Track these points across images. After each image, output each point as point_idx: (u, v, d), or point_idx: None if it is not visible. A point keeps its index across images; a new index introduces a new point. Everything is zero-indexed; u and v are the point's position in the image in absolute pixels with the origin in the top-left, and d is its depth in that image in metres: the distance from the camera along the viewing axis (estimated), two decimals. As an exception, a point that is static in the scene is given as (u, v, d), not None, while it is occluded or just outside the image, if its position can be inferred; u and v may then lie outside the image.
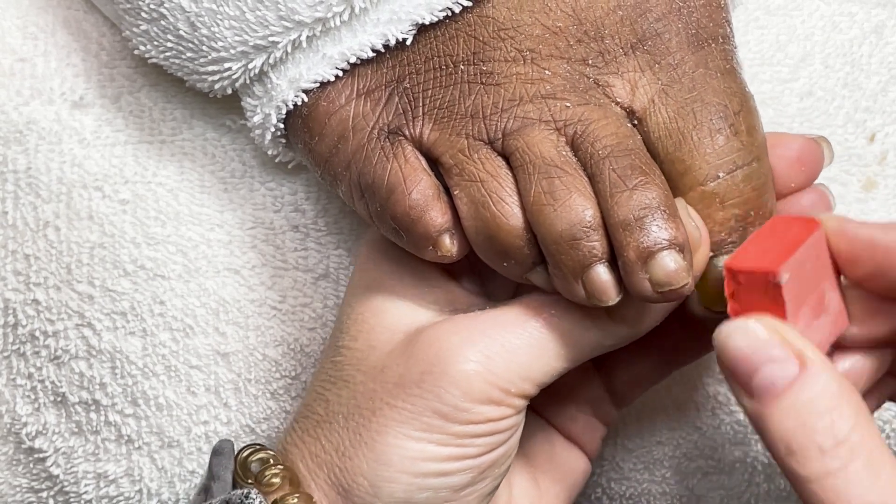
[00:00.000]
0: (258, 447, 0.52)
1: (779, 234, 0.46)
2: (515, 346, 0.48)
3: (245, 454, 0.52)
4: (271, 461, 0.51)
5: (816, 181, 0.51)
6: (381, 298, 0.51)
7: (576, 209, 0.46)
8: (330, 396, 0.51)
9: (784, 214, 0.49)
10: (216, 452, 0.53)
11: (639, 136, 0.48)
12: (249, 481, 0.51)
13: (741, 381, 0.43)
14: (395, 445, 0.48)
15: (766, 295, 0.44)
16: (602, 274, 0.46)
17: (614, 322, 0.49)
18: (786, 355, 0.42)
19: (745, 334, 0.43)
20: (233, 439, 0.55)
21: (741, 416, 0.59)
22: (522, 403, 0.49)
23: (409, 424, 0.48)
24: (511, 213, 0.47)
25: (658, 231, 0.46)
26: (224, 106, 0.59)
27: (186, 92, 0.59)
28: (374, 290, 0.51)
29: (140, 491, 0.58)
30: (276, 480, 0.50)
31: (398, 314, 0.50)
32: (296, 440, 0.51)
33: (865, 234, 0.45)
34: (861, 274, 0.46)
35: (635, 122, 0.48)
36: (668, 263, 0.45)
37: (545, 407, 0.55)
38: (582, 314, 0.48)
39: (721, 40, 0.49)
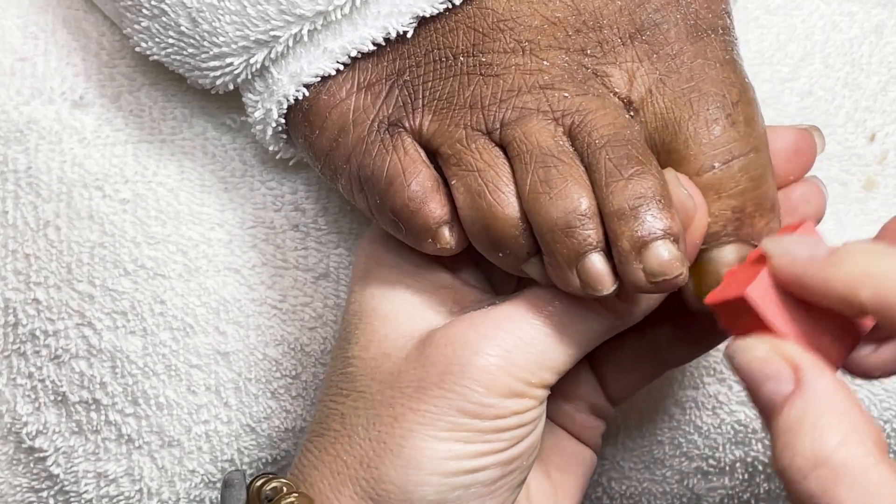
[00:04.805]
0: (270, 476, 0.51)
1: (749, 263, 0.46)
2: (531, 337, 0.48)
3: (258, 484, 0.51)
4: (285, 489, 0.50)
5: (809, 174, 0.51)
6: (388, 306, 0.51)
7: (571, 197, 0.46)
8: (345, 410, 0.50)
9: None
10: (227, 484, 0.52)
11: (637, 127, 0.48)
12: None
13: (753, 399, 0.42)
14: (423, 448, 0.48)
15: (752, 318, 0.43)
16: (597, 263, 0.46)
17: (623, 301, 0.48)
18: (781, 372, 0.41)
19: (744, 352, 0.42)
20: (236, 448, 0.54)
21: (741, 416, 0.59)
22: (543, 394, 0.49)
23: (434, 426, 0.48)
24: (507, 202, 0.47)
25: (653, 221, 0.45)
26: (224, 105, 0.59)
27: (186, 91, 0.59)
28: (379, 298, 0.51)
29: (140, 490, 0.58)
30: None
31: (408, 320, 0.50)
32: (313, 461, 0.50)
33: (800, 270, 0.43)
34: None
35: (632, 112, 0.48)
36: (663, 253, 0.45)
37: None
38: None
39: (721, 31, 0.49)
